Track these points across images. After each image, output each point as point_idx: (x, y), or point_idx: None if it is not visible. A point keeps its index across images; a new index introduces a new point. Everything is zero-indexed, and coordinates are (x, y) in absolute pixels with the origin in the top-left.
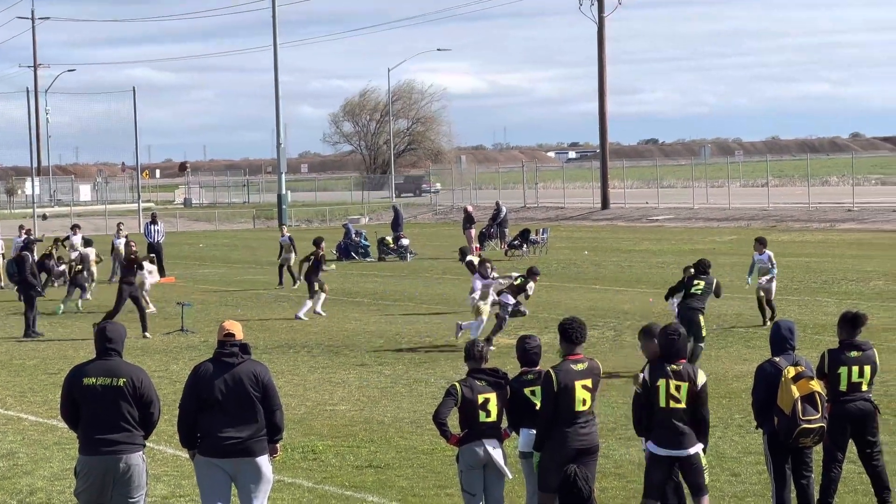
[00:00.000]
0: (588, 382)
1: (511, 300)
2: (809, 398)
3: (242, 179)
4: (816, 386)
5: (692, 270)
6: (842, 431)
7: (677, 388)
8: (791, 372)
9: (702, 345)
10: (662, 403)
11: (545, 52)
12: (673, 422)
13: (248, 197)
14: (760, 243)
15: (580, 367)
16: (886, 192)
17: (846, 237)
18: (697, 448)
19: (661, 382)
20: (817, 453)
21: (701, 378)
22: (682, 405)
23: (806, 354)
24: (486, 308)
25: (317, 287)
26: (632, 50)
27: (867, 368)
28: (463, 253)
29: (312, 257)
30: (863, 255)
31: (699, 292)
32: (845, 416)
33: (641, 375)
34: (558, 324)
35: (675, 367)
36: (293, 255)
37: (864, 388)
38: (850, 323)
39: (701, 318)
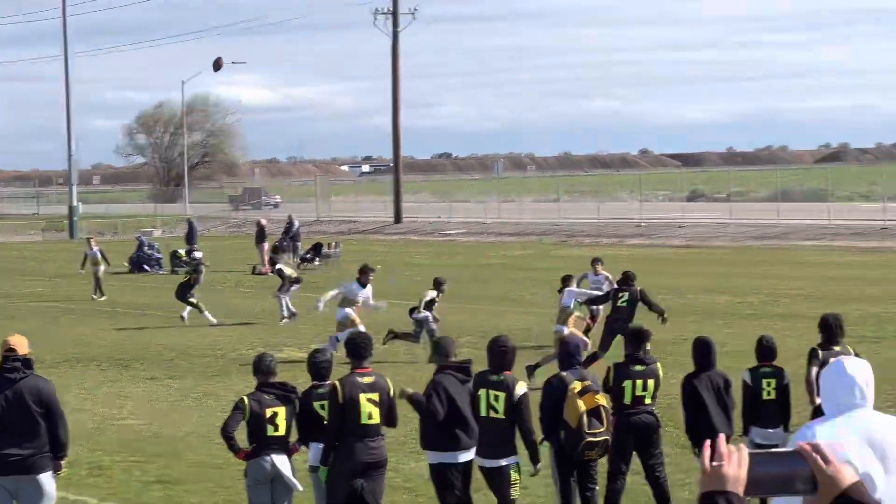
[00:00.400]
0: (374, 396)
1: (426, 314)
2: (595, 412)
3: (32, 191)
4: (602, 400)
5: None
6: (626, 444)
7: (496, 398)
8: (577, 386)
9: (600, 353)
10: (483, 412)
11: (340, 66)
12: (491, 431)
13: (39, 208)
14: (600, 263)
15: (367, 380)
16: (673, 209)
17: (634, 252)
18: (511, 460)
19: (482, 392)
20: (602, 465)
21: (519, 389)
22: (501, 415)
23: (593, 369)
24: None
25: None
26: (426, 64)
27: (651, 382)
28: (273, 262)
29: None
30: (650, 269)
31: (625, 304)
32: (629, 428)
33: (406, 390)
34: (345, 339)
35: (497, 377)
36: (102, 266)
37: (648, 401)
38: (635, 338)
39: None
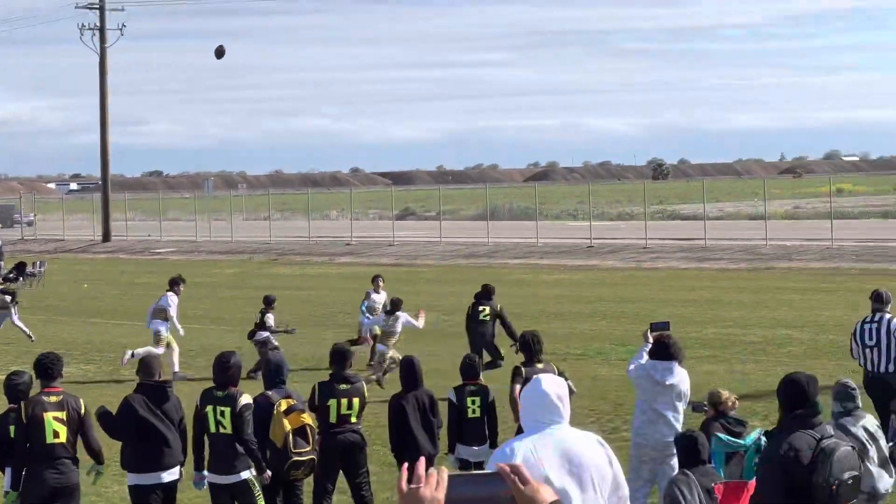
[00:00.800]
0: (62, 415)
1: (265, 334)
2: (300, 431)
3: None
4: (307, 419)
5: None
6: (331, 463)
7: (222, 414)
8: (283, 405)
9: (501, 362)
10: (212, 429)
11: (48, 81)
12: (222, 447)
13: None
14: (381, 279)
15: (54, 399)
16: (383, 227)
17: (344, 271)
18: (248, 473)
19: (210, 409)
20: (308, 485)
21: (242, 400)
22: (229, 430)
23: (299, 388)
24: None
25: None
26: (137, 81)
27: (356, 401)
28: (7, 292)
29: None
30: (360, 288)
31: (487, 318)
32: (335, 447)
33: (101, 407)
34: (35, 360)
35: (221, 393)
36: None
37: (354, 419)
38: (339, 357)
39: (492, 341)
